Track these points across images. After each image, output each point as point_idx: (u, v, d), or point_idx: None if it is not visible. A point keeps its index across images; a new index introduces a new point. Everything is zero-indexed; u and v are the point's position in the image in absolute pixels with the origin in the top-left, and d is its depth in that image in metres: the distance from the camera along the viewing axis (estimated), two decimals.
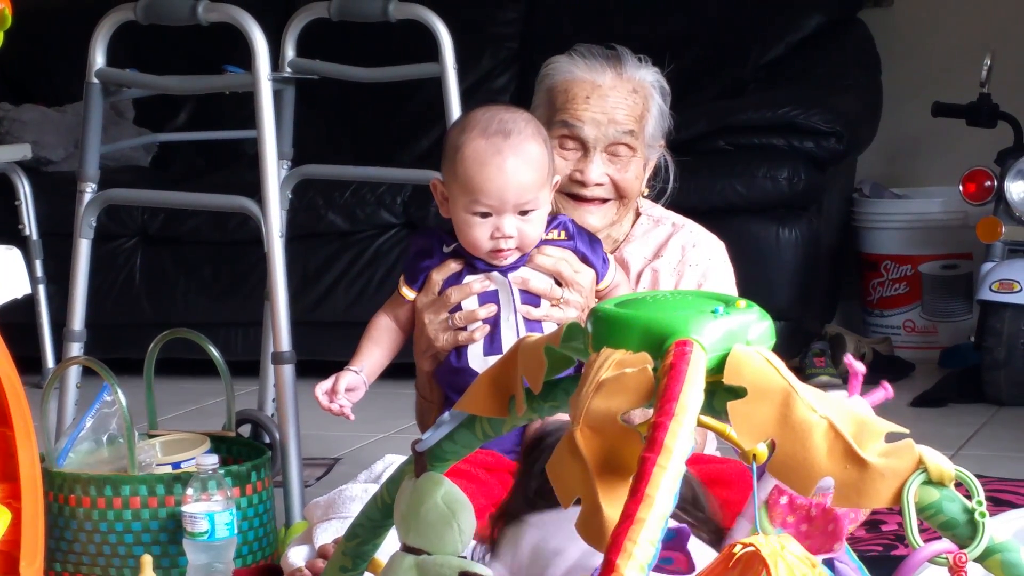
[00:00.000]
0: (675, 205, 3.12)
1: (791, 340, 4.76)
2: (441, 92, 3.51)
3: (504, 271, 2.72)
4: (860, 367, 2.00)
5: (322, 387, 2.72)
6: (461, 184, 2.65)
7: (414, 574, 1.86)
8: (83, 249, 3.44)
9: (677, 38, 5.31)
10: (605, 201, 2.95)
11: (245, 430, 3.60)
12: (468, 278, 2.73)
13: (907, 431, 1.58)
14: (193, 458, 3.02)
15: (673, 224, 3.06)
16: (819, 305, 5.14)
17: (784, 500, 1.91)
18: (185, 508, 2.88)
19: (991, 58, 4.83)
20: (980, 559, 1.57)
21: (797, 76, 5.25)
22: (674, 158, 3.06)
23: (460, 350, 2.73)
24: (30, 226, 5.04)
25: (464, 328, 2.73)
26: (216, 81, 3.80)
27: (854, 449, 1.54)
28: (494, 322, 2.72)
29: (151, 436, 3.19)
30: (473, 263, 2.72)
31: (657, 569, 1.58)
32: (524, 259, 2.72)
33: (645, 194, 3.05)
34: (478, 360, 2.70)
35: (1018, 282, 4.54)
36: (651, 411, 1.56)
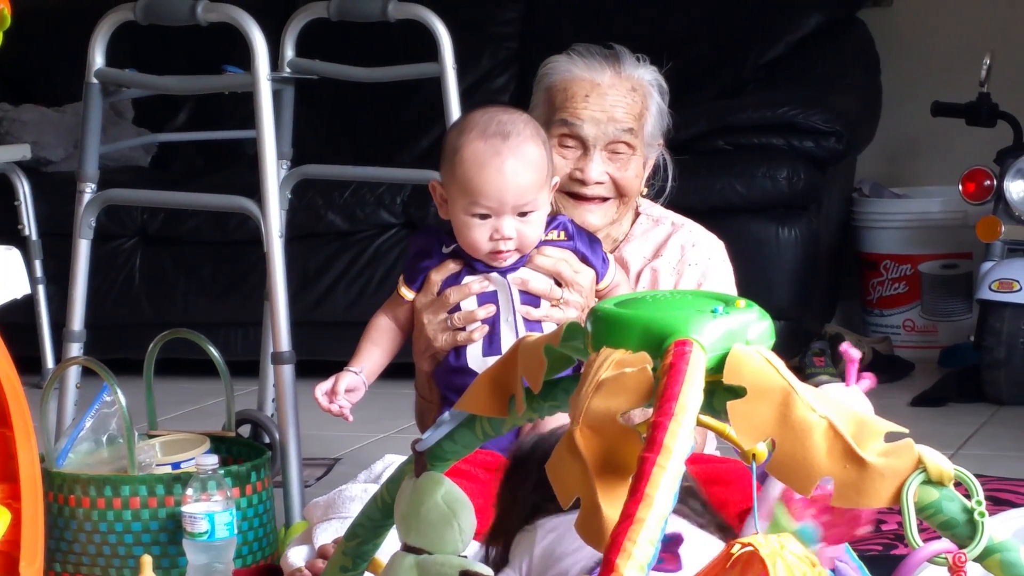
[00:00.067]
0: (675, 205, 3.12)
1: (791, 340, 4.76)
2: (440, 92, 3.51)
3: (503, 272, 2.72)
4: (856, 353, 2.00)
5: (322, 388, 2.72)
6: (460, 186, 2.65)
7: (415, 574, 1.86)
8: (83, 249, 3.44)
9: (677, 38, 5.31)
10: (605, 200, 2.95)
11: (245, 430, 3.60)
12: (467, 279, 2.73)
13: (906, 431, 1.58)
14: (193, 458, 3.02)
15: (672, 223, 3.06)
16: (819, 305, 5.14)
17: (799, 495, 1.90)
18: (185, 508, 2.88)
19: (990, 58, 4.83)
20: (979, 559, 1.57)
21: (796, 76, 5.25)
22: (673, 157, 3.06)
23: (459, 350, 2.73)
24: (30, 226, 5.04)
25: (463, 328, 2.73)
26: (215, 81, 3.80)
27: (853, 449, 1.54)
28: (493, 323, 2.72)
29: (151, 436, 3.19)
30: (472, 264, 2.72)
31: None
32: (523, 260, 2.72)
33: (644, 193, 3.05)
34: (477, 361, 2.70)
35: (1018, 281, 4.54)
36: (651, 411, 1.56)
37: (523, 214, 2.66)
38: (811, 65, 5.29)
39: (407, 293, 2.78)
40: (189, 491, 2.89)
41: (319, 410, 2.74)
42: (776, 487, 1.91)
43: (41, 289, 4.97)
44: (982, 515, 1.56)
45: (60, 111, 5.58)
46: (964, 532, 1.56)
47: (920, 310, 5.26)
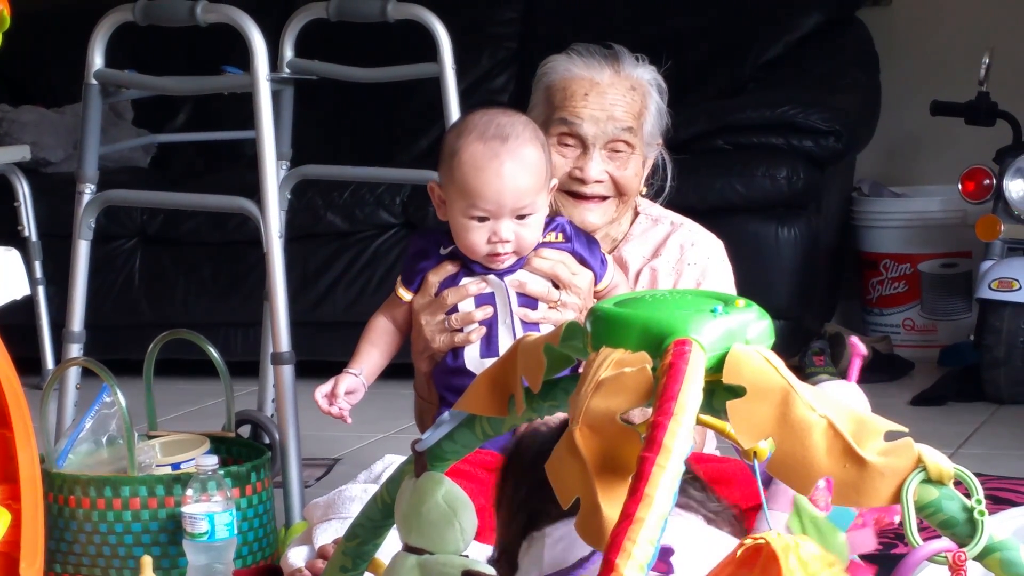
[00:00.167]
0: (674, 204, 3.13)
1: (790, 339, 4.76)
2: (440, 92, 3.51)
3: (501, 274, 2.72)
4: (863, 348, 2.01)
5: (321, 390, 2.72)
6: (458, 188, 2.65)
7: (417, 574, 1.86)
8: (82, 250, 3.44)
9: (676, 37, 5.31)
10: (605, 199, 2.95)
11: (245, 431, 3.60)
12: (464, 280, 2.73)
13: (906, 430, 1.58)
14: (193, 459, 3.02)
15: (672, 223, 3.06)
16: (818, 304, 5.14)
17: (822, 484, 1.90)
18: (185, 509, 2.88)
19: (989, 56, 4.83)
20: (979, 557, 1.57)
21: (796, 75, 5.25)
22: (672, 157, 3.06)
23: (456, 351, 2.73)
24: (29, 227, 5.04)
25: (460, 330, 2.73)
26: (215, 82, 3.80)
27: (853, 448, 1.54)
28: (490, 324, 2.72)
29: (151, 437, 3.19)
30: (470, 265, 2.72)
31: None
32: (521, 262, 2.72)
33: (643, 193, 3.05)
34: (474, 362, 2.70)
35: (1017, 280, 4.54)
36: (650, 410, 1.56)
37: (521, 217, 2.66)
38: (810, 65, 5.29)
39: (405, 294, 2.78)
40: (189, 492, 2.89)
41: (319, 410, 2.74)
42: None
43: (41, 290, 4.97)
44: (982, 514, 1.56)
45: (59, 112, 5.58)
46: (964, 531, 1.57)
47: (920, 309, 5.26)
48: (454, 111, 3.48)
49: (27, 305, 4.85)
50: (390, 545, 1.99)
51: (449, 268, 2.74)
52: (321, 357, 4.28)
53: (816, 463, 1.54)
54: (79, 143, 3.51)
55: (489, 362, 2.63)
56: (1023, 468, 3.73)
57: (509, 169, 2.63)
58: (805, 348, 4.79)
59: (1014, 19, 5.44)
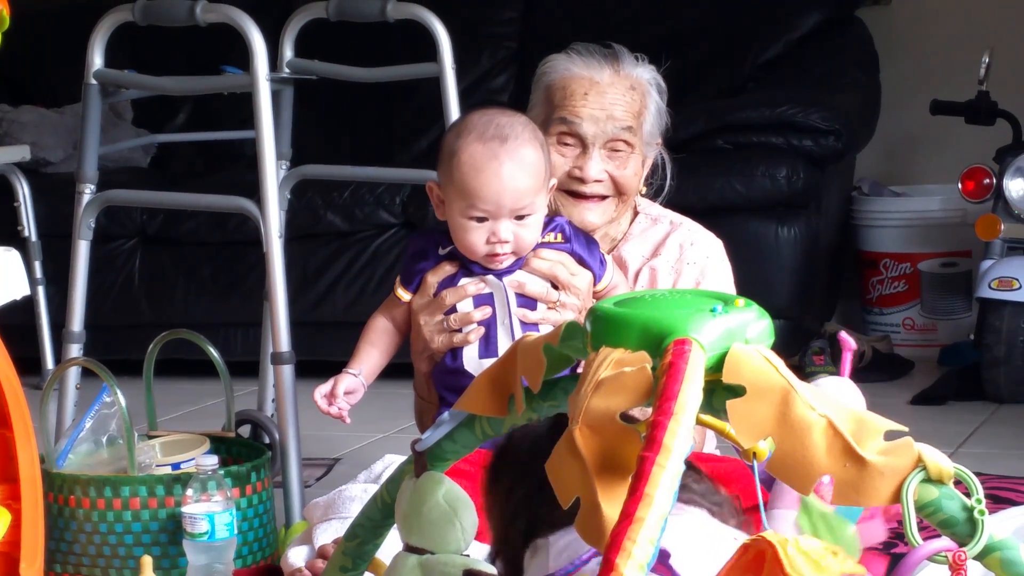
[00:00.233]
0: (674, 204, 3.13)
1: (790, 338, 4.76)
2: (439, 92, 3.51)
3: (499, 274, 2.72)
4: (852, 342, 2.01)
5: (321, 391, 2.72)
6: (457, 189, 2.65)
7: (418, 573, 1.86)
8: (82, 250, 3.44)
9: (676, 37, 5.31)
10: (604, 198, 2.95)
11: (245, 431, 3.60)
12: (463, 280, 2.73)
13: (906, 429, 1.58)
14: (193, 459, 3.02)
15: (671, 222, 3.06)
16: (818, 303, 5.14)
17: (827, 479, 1.90)
18: (185, 509, 2.88)
19: (989, 56, 4.83)
20: (979, 557, 1.57)
21: (795, 75, 5.25)
22: (671, 156, 3.06)
23: (455, 352, 2.73)
24: (29, 227, 5.04)
25: (459, 330, 2.72)
26: (214, 82, 3.80)
27: (853, 447, 1.54)
28: (488, 325, 2.72)
29: (151, 437, 3.19)
30: (469, 266, 2.72)
31: None
32: (520, 262, 2.72)
33: (643, 192, 3.05)
34: (473, 362, 2.70)
35: (1017, 279, 4.54)
36: (650, 410, 1.56)
37: (520, 217, 2.66)
38: (810, 64, 5.29)
39: (404, 294, 2.78)
40: (189, 492, 2.89)
41: (318, 411, 2.74)
42: None
43: (41, 290, 4.97)
44: (982, 513, 1.56)
45: (59, 112, 5.57)
46: (964, 530, 1.57)
47: (920, 308, 5.26)
48: (454, 111, 3.48)
49: (27, 305, 4.85)
50: (390, 545, 1.99)
51: (448, 268, 2.74)
52: (321, 357, 4.28)
53: (816, 462, 1.54)
54: (79, 143, 3.51)
55: (488, 362, 2.63)
56: (1023, 467, 3.73)
57: (508, 170, 2.63)
58: (805, 347, 4.79)
59: (1014, 18, 5.44)
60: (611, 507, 1.52)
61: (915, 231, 5.24)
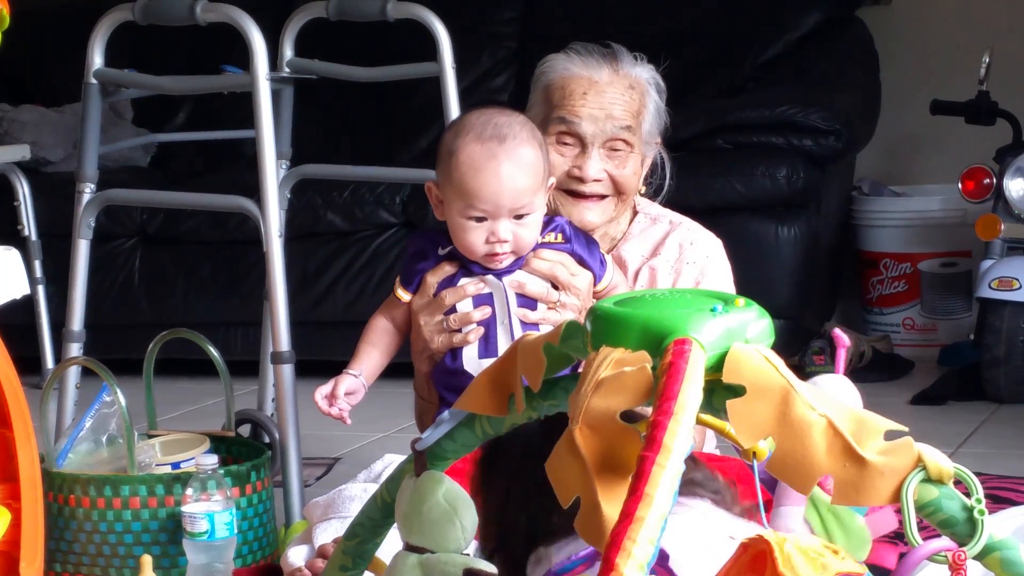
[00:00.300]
0: (674, 204, 3.12)
1: (790, 338, 4.76)
2: (440, 91, 3.51)
3: (499, 274, 2.72)
4: (846, 339, 2.00)
5: (321, 392, 2.72)
6: (456, 188, 2.65)
7: (418, 573, 1.86)
8: (82, 249, 3.44)
9: (675, 37, 5.31)
10: (603, 197, 2.95)
11: (245, 430, 3.60)
12: (462, 281, 2.72)
13: (906, 429, 1.58)
14: (193, 458, 3.02)
15: (670, 222, 3.06)
16: (818, 303, 5.14)
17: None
18: (185, 508, 2.88)
19: (989, 55, 4.83)
20: (979, 557, 1.57)
21: (795, 74, 5.25)
22: (670, 155, 3.06)
23: (455, 352, 2.73)
24: (29, 227, 5.04)
25: (459, 330, 2.72)
26: (214, 81, 3.81)
27: (853, 447, 1.54)
28: (488, 325, 2.72)
29: (150, 436, 3.19)
30: (468, 266, 2.72)
31: None
32: (520, 262, 2.72)
33: (642, 192, 3.05)
34: (473, 363, 2.70)
35: (1017, 279, 4.54)
36: (650, 409, 1.56)
37: (519, 216, 2.66)
38: (810, 64, 5.29)
39: (403, 295, 2.78)
40: (189, 491, 2.89)
41: (319, 411, 2.74)
42: None
43: (40, 289, 4.97)
44: (982, 513, 1.56)
45: (59, 111, 5.58)
46: (964, 530, 1.57)
47: (920, 308, 5.26)
48: (454, 110, 3.48)
49: (27, 304, 4.85)
50: (391, 544, 1.99)
51: (447, 269, 2.74)
52: (321, 356, 4.28)
53: (816, 462, 1.54)
54: (79, 142, 3.51)
55: (487, 362, 2.62)
56: (1023, 467, 3.73)
57: (507, 169, 2.63)
58: (805, 347, 4.79)
59: (1014, 18, 5.44)
60: (611, 507, 1.52)
61: (915, 231, 5.25)
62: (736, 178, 4.82)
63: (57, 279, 4.81)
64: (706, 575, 1.62)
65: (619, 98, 2.92)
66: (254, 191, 3.28)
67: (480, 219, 2.65)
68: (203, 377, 4.11)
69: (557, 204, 2.92)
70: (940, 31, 5.52)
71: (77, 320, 3.43)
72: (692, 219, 3.09)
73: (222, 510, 2.87)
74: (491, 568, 1.86)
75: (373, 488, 2.60)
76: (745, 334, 1.62)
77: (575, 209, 2.93)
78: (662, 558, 1.80)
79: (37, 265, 4.98)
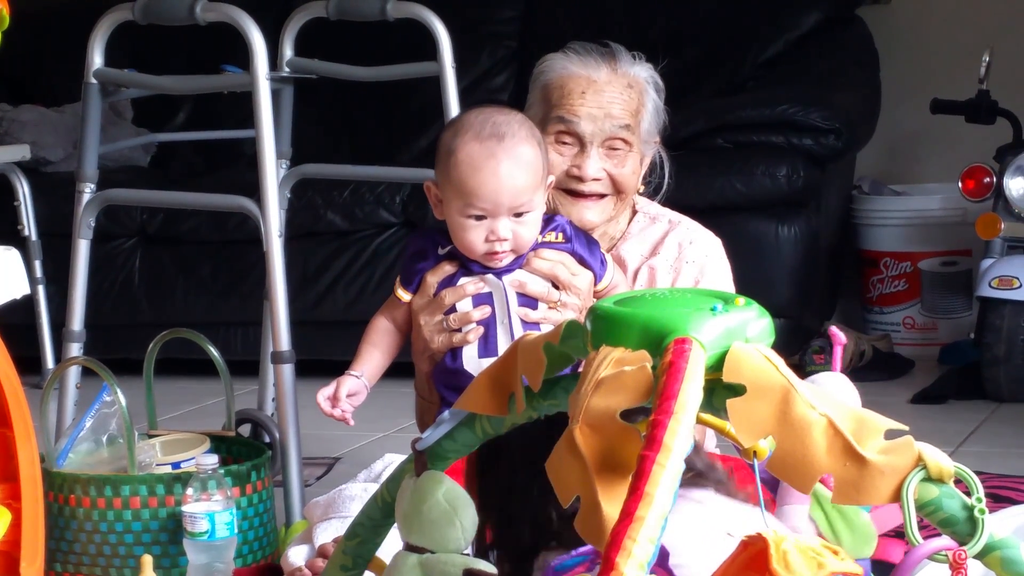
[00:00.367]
0: (674, 203, 3.12)
1: (790, 337, 4.76)
2: (440, 91, 3.51)
3: (499, 273, 2.72)
4: (842, 337, 2.01)
5: (324, 393, 2.73)
6: (455, 187, 2.65)
7: (418, 573, 1.86)
8: (82, 249, 3.44)
9: (675, 36, 5.31)
10: (603, 196, 2.95)
11: (245, 430, 3.60)
12: (462, 280, 2.72)
13: (907, 428, 1.58)
14: (193, 458, 3.02)
15: (670, 221, 3.06)
16: (818, 302, 5.14)
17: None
18: (185, 508, 2.88)
19: (990, 54, 4.83)
20: (980, 556, 1.57)
21: (796, 73, 5.25)
22: (669, 154, 3.06)
23: (455, 352, 2.73)
24: (29, 227, 5.04)
25: (459, 330, 2.72)
26: (214, 81, 3.80)
27: (853, 446, 1.54)
28: (488, 324, 2.72)
29: (151, 436, 3.19)
30: (468, 265, 2.72)
31: None
32: (520, 261, 2.72)
33: (641, 191, 3.05)
34: (473, 362, 2.70)
35: (1017, 278, 4.54)
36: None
37: (519, 215, 2.66)
38: (810, 63, 5.29)
39: (403, 295, 2.78)
40: (189, 491, 2.89)
41: (320, 411, 2.74)
42: None
43: (41, 289, 4.97)
44: (982, 512, 1.56)
45: (59, 111, 5.57)
46: (964, 529, 1.57)
47: (920, 307, 5.26)
48: (454, 110, 3.48)
49: (27, 304, 4.85)
50: (391, 544, 1.99)
51: (447, 268, 2.74)
52: (321, 356, 4.28)
53: (816, 462, 1.54)
54: (79, 142, 3.51)
55: (487, 362, 2.62)
56: (1023, 466, 3.73)
57: (506, 168, 2.63)
58: (805, 346, 4.79)
59: (1014, 17, 5.44)
60: (611, 506, 1.52)
61: (915, 230, 5.24)
62: (736, 177, 4.82)
63: (57, 279, 4.81)
64: (705, 571, 1.62)
65: (618, 97, 2.92)
66: (254, 191, 3.28)
67: (479, 218, 2.65)
68: (203, 377, 4.11)
69: (556, 203, 2.92)
70: (940, 30, 5.52)
71: (77, 320, 3.43)
72: (692, 218, 3.09)
73: (222, 510, 2.87)
74: (491, 568, 1.86)
75: (373, 488, 2.60)
76: (745, 333, 1.62)
77: (574, 208, 2.92)
78: (661, 557, 1.80)
79: (37, 265, 4.98)
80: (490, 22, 5.66)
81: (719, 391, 1.60)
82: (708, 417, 1.64)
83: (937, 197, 5.29)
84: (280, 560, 2.89)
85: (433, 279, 2.74)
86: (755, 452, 1.65)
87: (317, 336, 4.79)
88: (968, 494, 1.57)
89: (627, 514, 1.47)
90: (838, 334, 2.04)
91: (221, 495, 2.88)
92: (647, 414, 1.55)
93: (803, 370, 4.61)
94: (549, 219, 2.75)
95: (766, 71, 5.33)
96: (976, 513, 1.56)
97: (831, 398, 1.58)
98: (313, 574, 2.69)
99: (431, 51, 3.50)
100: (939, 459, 1.55)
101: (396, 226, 5.07)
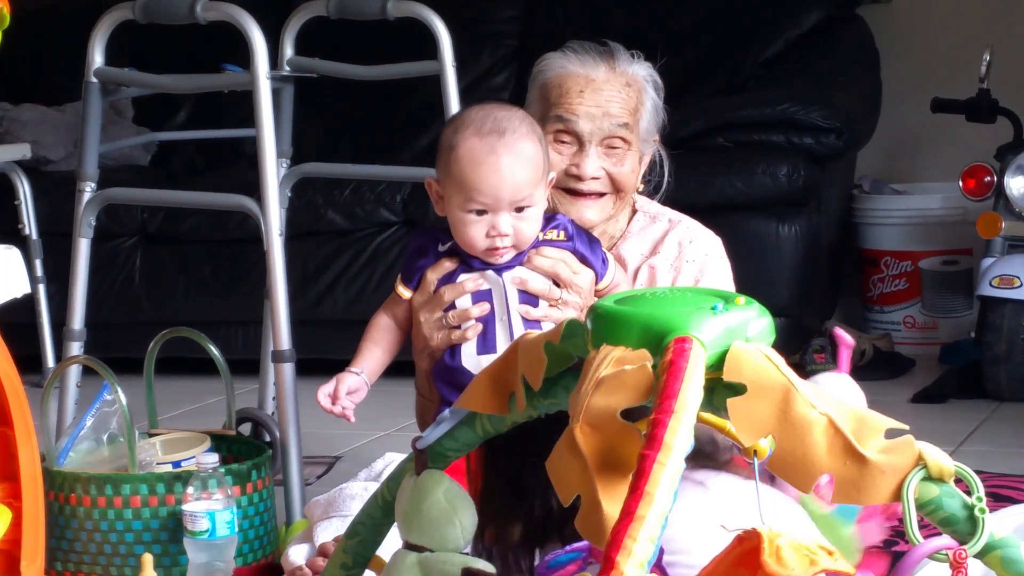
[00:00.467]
0: (674, 202, 3.12)
1: (791, 337, 4.76)
2: (440, 90, 3.51)
3: (499, 270, 2.71)
4: (849, 338, 2.00)
5: (324, 390, 2.72)
6: (456, 183, 2.65)
7: (417, 571, 1.86)
8: (83, 248, 3.44)
9: (677, 35, 5.31)
10: (602, 195, 2.95)
11: (245, 428, 3.60)
12: (462, 276, 2.72)
13: (907, 427, 1.58)
14: (193, 457, 3.02)
15: (670, 220, 3.05)
16: (819, 301, 5.14)
17: (824, 480, 1.91)
18: (186, 507, 2.88)
19: (990, 53, 4.83)
20: (980, 555, 1.57)
21: (796, 72, 5.25)
22: (669, 153, 3.06)
23: (454, 349, 2.73)
24: (30, 225, 5.04)
25: (458, 327, 2.72)
26: (215, 80, 3.80)
27: (854, 445, 1.54)
28: (487, 321, 2.72)
29: (151, 435, 3.19)
30: (469, 262, 2.72)
31: None
32: (520, 258, 2.72)
33: (640, 189, 3.05)
34: (471, 359, 2.70)
35: (1018, 277, 4.54)
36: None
37: (520, 210, 2.66)
38: (811, 62, 5.29)
39: (404, 292, 2.78)
40: (190, 489, 2.89)
41: (320, 408, 2.74)
42: None
43: (41, 288, 4.97)
44: (983, 511, 1.56)
45: (60, 110, 5.58)
46: (965, 528, 1.57)
47: (920, 307, 5.26)
48: (454, 109, 3.47)
49: (28, 303, 4.85)
50: (391, 543, 1.99)
51: (447, 265, 2.74)
52: (322, 355, 4.28)
53: (817, 461, 1.54)
54: (79, 141, 3.51)
55: (486, 359, 2.63)
56: (1023, 465, 3.73)
57: (507, 163, 2.63)
58: (806, 346, 4.79)
59: (1015, 16, 5.44)
60: (612, 505, 1.52)
61: (916, 229, 5.25)
62: (737, 176, 4.82)
63: (58, 278, 4.81)
64: (705, 561, 1.61)
65: (616, 96, 2.92)
66: (254, 190, 3.28)
67: (480, 212, 2.65)
68: (204, 376, 4.11)
69: (556, 202, 2.92)
70: (941, 29, 5.52)
71: (78, 319, 3.43)
72: (693, 217, 3.09)
73: (223, 509, 2.87)
74: (489, 568, 1.86)
75: (374, 487, 2.60)
76: (746, 332, 1.62)
77: (573, 207, 2.92)
78: (659, 554, 1.80)
79: (38, 264, 4.98)
80: (491, 21, 5.67)
81: (720, 390, 1.60)
82: (709, 416, 1.64)
83: (938, 196, 5.29)
84: (280, 559, 2.89)
85: (433, 276, 2.74)
86: (755, 451, 1.65)
87: (317, 335, 4.79)
88: (968, 493, 1.57)
89: (627, 513, 1.47)
90: (844, 336, 2.03)
91: (222, 494, 2.88)
92: (648, 413, 1.55)
93: (803, 369, 4.61)
94: (551, 217, 2.75)
95: (767, 70, 5.33)
96: (976, 512, 1.56)
97: (831, 397, 1.58)
98: (313, 573, 2.69)
99: (431, 50, 3.50)
100: (939, 458, 1.55)
101: (396, 225, 5.07)
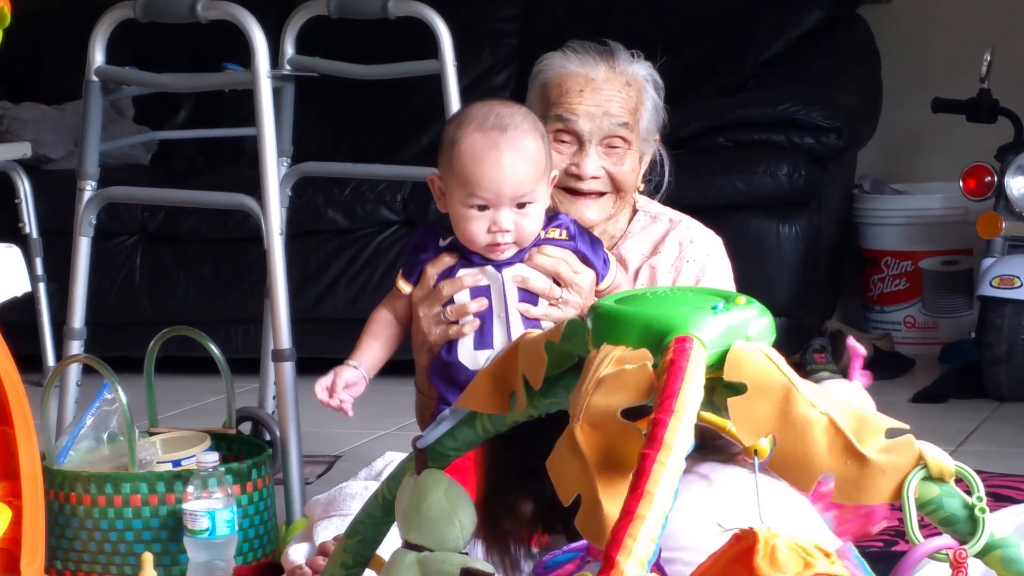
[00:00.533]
0: (675, 202, 3.12)
1: (791, 336, 4.76)
2: (441, 89, 3.51)
3: (499, 266, 2.71)
4: (861, 349, 2.00)
5: (322, 383, 2.72)
6: (458, 178, 2.65)
7: (416, 571, 1.86)
8: (83, 247, 3.44)
9: (677, 34, 5.31)
10: (602, 195, 2.94)
11: (245, 427, 3.60)
12: (461, 272, 2.72)
13: (907, 427, 1.58)
14: (193, 456, 3.02)
15: (670, 220, 3.05)
16: (819, 301, 5.14)
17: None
18: (186, 506, 2.88)
19: (991, 53, 4.83)
20: (980, 555, 1.57)
21: (797, 72, 5.25)
22: (669, 152, 3.06)
23: (451, 344, 2.73)
24: (30, 224, 5.03)
25: (456, 322, 2.72)
26: (216, 79, 3.80)
27: (854, 445, 1.54)
28: (484, 317, 2.72)
29: (151, 434, 3.19)
30: (470, 257, 2.72)
31: None
32: (521, 255, 2.72)
33: (641, 189, 3.05)
34: (468, 354, 2.70)
35: (1018, 278, 4.54)
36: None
37: (521, 205, 2.66)
38: (811, 61, 5.29)
39: (405, 286, 2.78)
40: (190, 488, 2.89)
41: (320, 407, 2.73)
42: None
43: (42, 287, 4.97)
44: (983, 511, 1.56)
45: (60, 109, 5.57)
46: (965, 528, 1.57)
47: (921, 306, 5.26)
48: (455, 108, 3.47)
49: (28, 302, 4.85)
50: (391, 542, 1.99)
51: (447, 260, 2.74)
52: (322, 354, 4.27)
53: (817, 460, 1.54)
54: (80, 140, 3.51)
55: (482, 354, 2.63)
56: (1023, 465, 3.73)
57: (508, 159, 2.63)
58: (806, 345, 4.79)
59: (1015, 16, 5.44)
60: (612, 504, 1.52)
61: (916, 229, 5.25)
62: (737, 176, 4.82)
63: (58, 276, 4.81)
64: (699, 559, 1.61)
65: (616, 95, 2.92)
66: (255, 189, 3.28)
67: (482, 208, 2.65)
68: (204, 375, 4.11)
69: (556, 202, 2.92)
70: (941, 29, 5.52)
71: (78, 318, 3.43)
72: (693, 217, 3.09)
73: (223, 508, 2.87)
74: (489, 568, 1.86)
75: (374, 486, 2.60)
76: (746, 332, 1.62)
77: (573, 206, 2.92)
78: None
79: (38, 263, 4.97)
80: (491, 20, 5.67)
81: (720, 390, 1.60)
82: (709, 416, 1.64)
83: (938, 196, 5.29)
84: (280, 558, 2.89)
85: (433, 271, 2.74)
86: (756, 451, 1.65)
87: (318, 334, 4.79)
88: (969, 493, 1.57)
89: (628, 512, 1.47)
90: (857, 347, 2.03)
91: (222, 493, 2.88)
92: (648, 412, 1.55)
93: (804, 369, 4.61)
94: (553, 216, 2.75)
95: (767, 70, 5.33)
96: (977, 512, 1.56)
97: (832, 397, 1.58)
98: (314, 572, 2.69)
99: (432, 49, 3.50)
100: (940, 458, 1.55)
101: (397, 224, 5.07)
